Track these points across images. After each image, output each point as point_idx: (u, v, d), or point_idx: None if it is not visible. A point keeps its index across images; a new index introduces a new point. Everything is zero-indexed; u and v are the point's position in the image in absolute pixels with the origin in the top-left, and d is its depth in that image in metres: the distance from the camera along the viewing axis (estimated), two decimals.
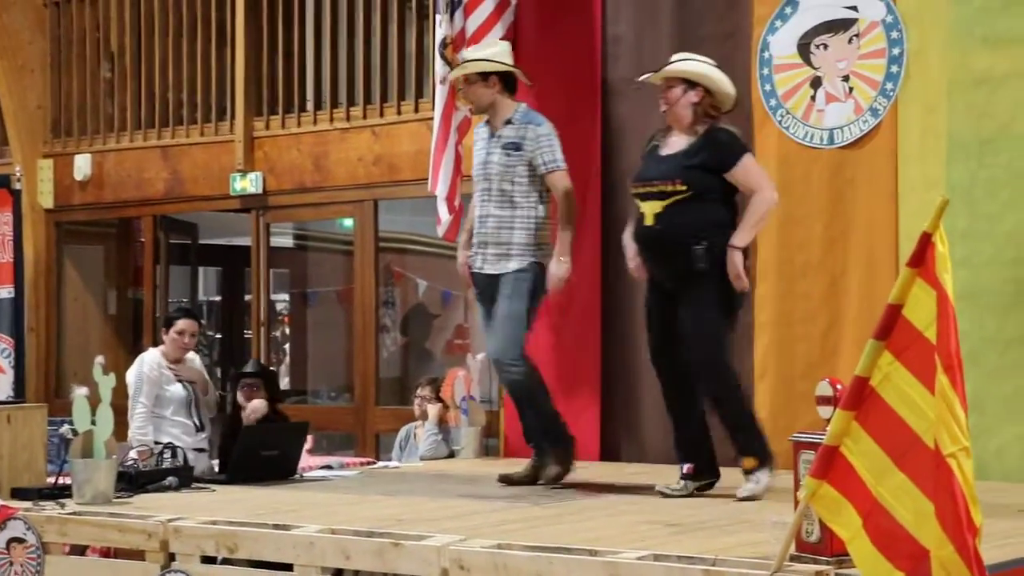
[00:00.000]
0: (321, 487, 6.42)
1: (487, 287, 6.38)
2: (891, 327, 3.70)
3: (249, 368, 7.68)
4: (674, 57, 6.06)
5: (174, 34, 10.15)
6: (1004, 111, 6.48)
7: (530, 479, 6.30)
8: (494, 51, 6.50)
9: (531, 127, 6.30)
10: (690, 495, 5.77)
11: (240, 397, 7.35)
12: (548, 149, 6.29)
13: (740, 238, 5.74)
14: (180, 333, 7.43)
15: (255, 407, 7.14)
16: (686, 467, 5.82)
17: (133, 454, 6.32)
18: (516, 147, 6.29)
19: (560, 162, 6.30)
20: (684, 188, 5.74)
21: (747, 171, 5.83)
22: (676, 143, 5.89)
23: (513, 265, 6.30)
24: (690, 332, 5.78)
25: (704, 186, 5.76)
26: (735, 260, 5.72)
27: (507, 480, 6.30)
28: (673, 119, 5.92)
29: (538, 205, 6.33)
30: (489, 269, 6.35)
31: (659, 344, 5.98)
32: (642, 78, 6.11)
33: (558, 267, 6.25)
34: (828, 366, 6.71)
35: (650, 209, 5.79)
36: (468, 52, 6.53)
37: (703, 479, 5.87)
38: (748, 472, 5.71)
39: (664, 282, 5.91)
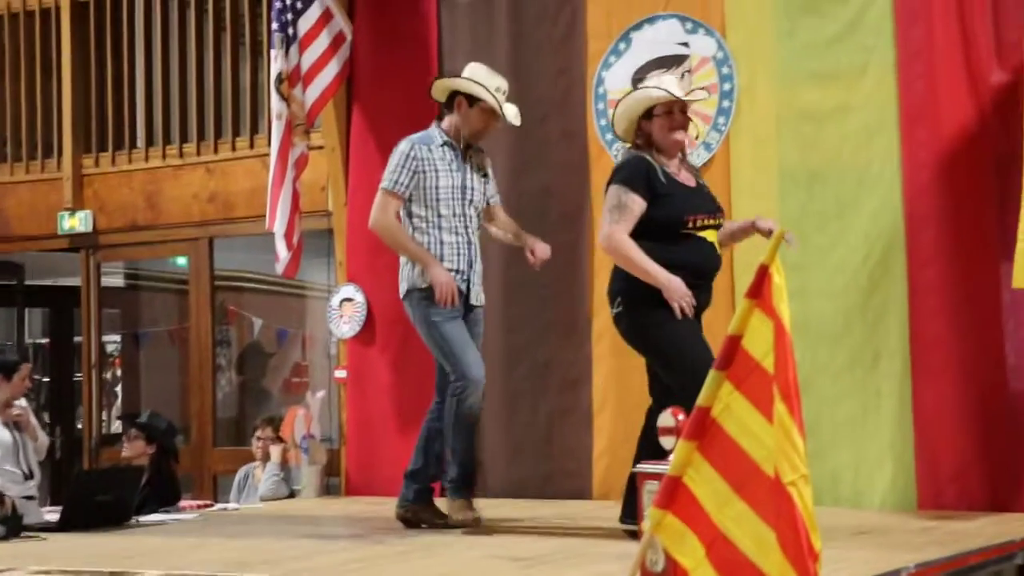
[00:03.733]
0: (159, 532, 6.27)
1: (465, 314, 6.07)
2: (731, 358, 3.75)
3: (141, 418, 7.82)
4: (674, 85, 5.68)
5: None
6: (831, 145, 6.68)
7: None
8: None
9: (487, 157, 6.18)
10: None
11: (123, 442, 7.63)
12: (494, 181, 6.21)
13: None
14: (24, 379, 7.38)
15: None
16: None
17: None
18: (487, 176, 6.15)
19: None
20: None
21: None
22: (685, 176, 5.65)
23: (483, 299, 6.18)
24: None
25: None
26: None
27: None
28: (677, 150, 5.65)
29: None
30: (474, 300, 6.10)
31: None
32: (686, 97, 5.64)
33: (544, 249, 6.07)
34: None
35: (713, 238, 5.61)
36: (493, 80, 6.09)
37: None
38: None
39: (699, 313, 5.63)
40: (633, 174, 5.51)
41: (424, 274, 5.94)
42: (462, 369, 5.93)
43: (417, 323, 6.04)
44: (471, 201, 6.05)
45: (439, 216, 5.98)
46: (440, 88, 6.16)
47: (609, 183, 5.58)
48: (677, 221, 5.47)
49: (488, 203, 6.18)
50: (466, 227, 6.04)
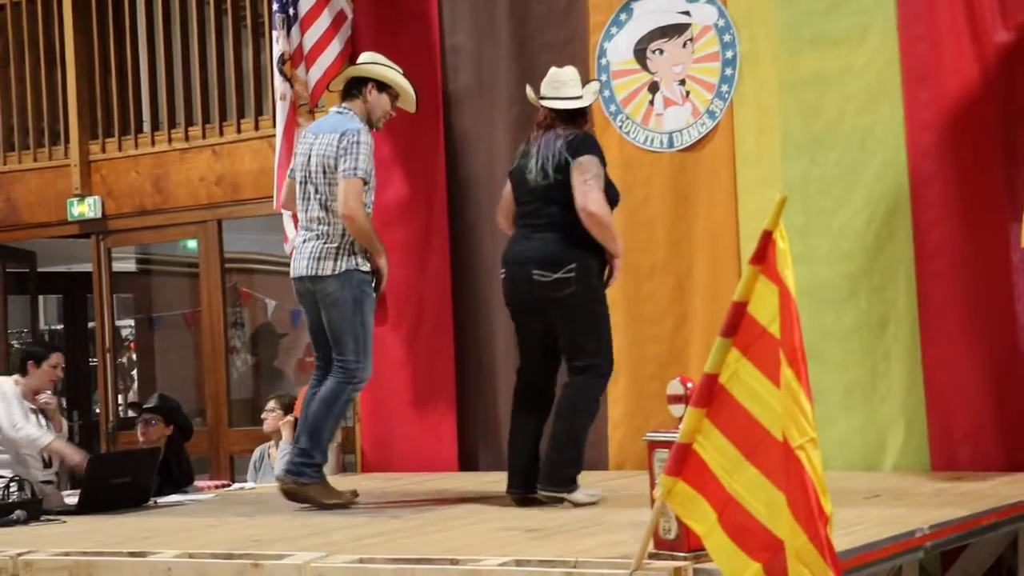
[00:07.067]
0: (176, 512, 6.33)
1: None
2: (737, 324, 3.78)
3: (151, 402, 7.85)
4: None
5: (1, 57, 9.90)
6: (832, 109, 6.66)
7: None
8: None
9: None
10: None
11: (138, 430, 7.68)
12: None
13: None
14: (54, 366, 7.49)
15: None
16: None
17: None
18: None
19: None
20: None
21: None
22: None
23: None
24: None
25: None
26: None
27: None
28: None
29: None
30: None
31: None
32: None
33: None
34: (678, 365, 6.80)
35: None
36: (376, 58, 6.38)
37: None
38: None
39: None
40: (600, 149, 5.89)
41: (366, 258, 6.07)
42: (365, 362, 6.09)
43: (343, 302, 6.08)
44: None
45: (373, 203, 6.16)
46: (349, 76, 6.33)
47: (577, 152, 5.73)
48: None
49: None
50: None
